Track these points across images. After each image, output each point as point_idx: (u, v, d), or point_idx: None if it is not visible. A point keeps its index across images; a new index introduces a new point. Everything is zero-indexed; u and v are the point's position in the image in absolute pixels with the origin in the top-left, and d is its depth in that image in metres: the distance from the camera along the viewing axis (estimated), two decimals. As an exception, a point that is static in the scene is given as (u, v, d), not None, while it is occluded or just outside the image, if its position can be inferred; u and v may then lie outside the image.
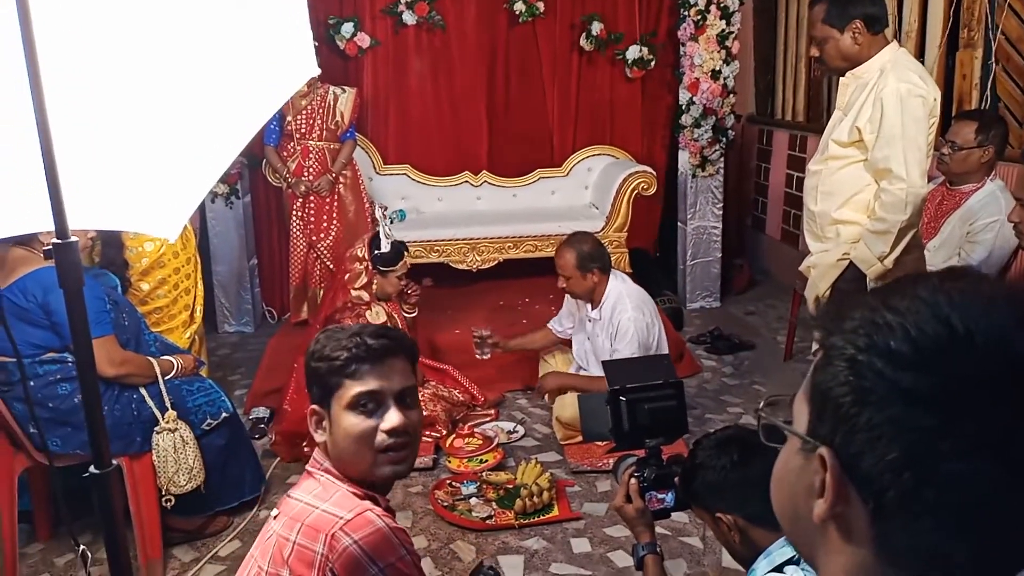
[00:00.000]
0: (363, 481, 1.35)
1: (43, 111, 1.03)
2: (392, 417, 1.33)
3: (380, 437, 1.33)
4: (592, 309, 3.34)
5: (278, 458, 3.29)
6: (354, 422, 1.33)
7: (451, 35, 4.94)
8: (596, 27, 4.92)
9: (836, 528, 0.59)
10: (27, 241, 2.38)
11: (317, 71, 1.20)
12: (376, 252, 3.42)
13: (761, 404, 0.70)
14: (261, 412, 3.61)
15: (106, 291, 2.55)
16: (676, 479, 1.66)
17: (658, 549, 1.68)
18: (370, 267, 3.44)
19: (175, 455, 2.50)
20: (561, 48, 5.06)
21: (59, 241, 1.13)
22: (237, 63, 1.14)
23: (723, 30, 4.74)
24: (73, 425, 2.40)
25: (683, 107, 4.87)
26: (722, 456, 1.50)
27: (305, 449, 3.30)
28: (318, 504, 1.30)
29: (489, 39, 4.98)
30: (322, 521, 1.27)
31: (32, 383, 2.36)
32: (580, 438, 3.28)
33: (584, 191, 5.14)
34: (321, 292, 4.34)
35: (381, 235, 3.44)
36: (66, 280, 1.14)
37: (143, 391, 2.53)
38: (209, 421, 2.66)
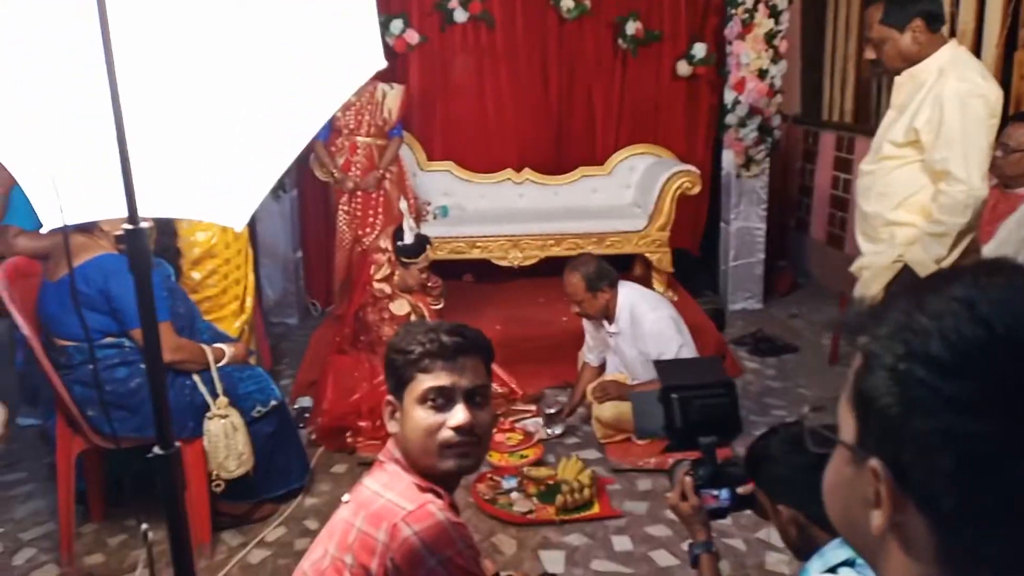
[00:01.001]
0: (429, 474, 1.36)
1: (118, 102, 1.06)
2: (459, 414, 1.34)
3: (446, 433, 1.33)
4: (610, 324, 3.34)
5: (322, 448, 3.33)
6: (422, 416, 1.34)
7: (498, 33, 4.95)
8: (631, 27, 4.88)
9: (896, 539, 0.58)
10: (88, 228, 2.45)
11: (384, 64, 1.22)
12: (399, 244, 3.47)
13: (807, 409, 0.69)
14: (305, 402, 3.67)
15: (162, 278, 2.62)
16: (731, 479, 1.64)
17: (713, 548, 1.67)
18: (392, 258, 3.49)
19: (225, 441, 2.56)
20: (605, 46, 5.04)
21: (131, 227, 1.16)
22: (307, 54, 1.16)
23: (771, 29, 4.69)
24: (128, 408, 2.47)
25: (728, 106, 4.83)
26: (796, 454, 1.46)
27: (348, 440, 3.35)
28: (384, 493, 1.32)
29: (535, 37, 4.98)
30: (385, 511, 1.29)
31: (90, 367, 2.43)
32: (619, 437, 3.28)
33: (626, 190, 5.12)
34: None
35: (405, 227, 3.48)
36: (137, 265, 1.17)
37: (196, 377, 2.59)
38: (259, 408, 2.70)
